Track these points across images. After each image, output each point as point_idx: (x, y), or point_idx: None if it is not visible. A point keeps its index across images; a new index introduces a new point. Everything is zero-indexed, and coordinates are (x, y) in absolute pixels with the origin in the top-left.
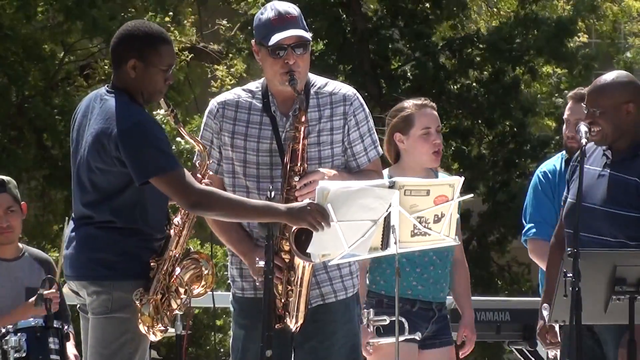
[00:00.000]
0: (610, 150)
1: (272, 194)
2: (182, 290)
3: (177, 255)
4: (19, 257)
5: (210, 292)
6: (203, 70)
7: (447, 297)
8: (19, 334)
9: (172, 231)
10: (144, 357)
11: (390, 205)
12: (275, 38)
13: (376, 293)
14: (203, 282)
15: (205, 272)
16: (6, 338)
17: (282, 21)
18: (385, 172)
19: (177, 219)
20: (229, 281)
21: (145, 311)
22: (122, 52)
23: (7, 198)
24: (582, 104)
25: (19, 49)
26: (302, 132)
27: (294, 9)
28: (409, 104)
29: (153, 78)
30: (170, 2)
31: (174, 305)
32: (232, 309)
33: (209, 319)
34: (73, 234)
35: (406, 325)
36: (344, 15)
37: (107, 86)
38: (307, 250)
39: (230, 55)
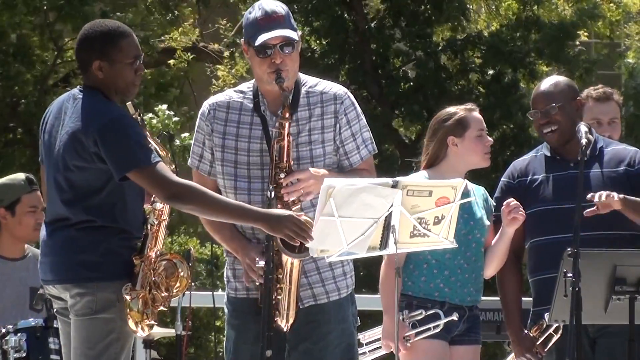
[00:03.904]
0: (561, 155)
1: (272, 194)
2: (162, 287)
3: (157, 252)
4: (23, 257)
5: (211, 292)
6: (203, 69)
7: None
8: (19, 334)
9: (149, 230)
10: (129, 357)
11: (392, 205)
12: (261, 38)
13: (405, 295)
14: (178, 284)
15: (182, 273)
16: (6, 338)
17: (269, 21)
18: (424, 173)
19: (151, 219)
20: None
21: (135, 307)
22: (85, 56)
23: (39, 196)
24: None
25: (9, 49)
26: (286, 129)
27: (281, 8)
28: (458, 108)
29: (121, 74)
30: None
31: (159, 301)
32: (225, 310)
33: (209, 319)
34: (47, 238)
35: (442, 315)
36: (346, 15)
37: (79, 87)
38: (306, 245)
39: (234, 55)
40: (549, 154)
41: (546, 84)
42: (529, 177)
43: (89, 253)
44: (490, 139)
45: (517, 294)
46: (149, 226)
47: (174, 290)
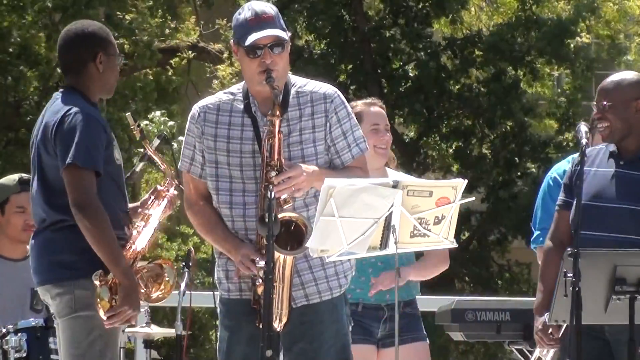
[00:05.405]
0: (619, 151)
1: (272, 194)
2: (141, 284)
3: (138, 249)
4: (25, 257)
5: (211, 292)
6: (203, 70)
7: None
8: (19, 334)
9: (134, 231)
10: (115, 351)
11: (392, 205)
12: (251, 38)
13: None
14: (162, 287)
15: (167, 278)
16: (6, 338)
17: (259, 21)
18: None
19: (138, 223)
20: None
21: (105, 296)
22: (85, 51)
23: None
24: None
25: (14, 50)
26: (276, 126)
27: (270, 9)
28: (358, 103)
29: (114, 67)
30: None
31: None
32: (218, 311)
33: (210, 319)
34: (32, 241)
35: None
36: (346, 15)
37: (61, 89)
38: (307, 245)
39: (227, 55)
40: (612, 148)
41: (609, 79)
42: (584, 168)
43: (64, 253)
44: (386, 136)
45: (556, 281)
46: (134, 226)
47: (158, 293)
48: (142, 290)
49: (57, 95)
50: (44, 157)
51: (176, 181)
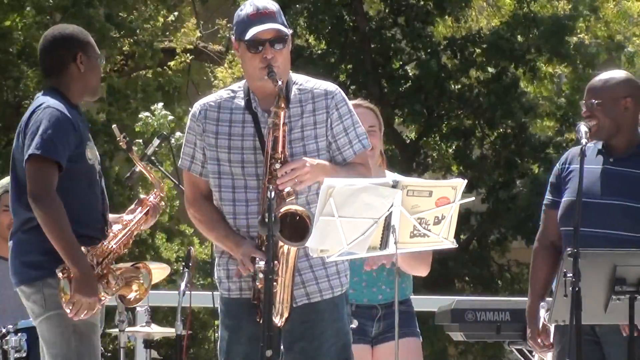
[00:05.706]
0: (607, 148)
1: (272, 194)
2: (112, 282)
3: (113, 248)
4: None
5: (210, 292)
6: (203, 70)
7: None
8: (19, 334)
9: (110, 233)
10: (92, 346)
11: (392, 205)
12: (251, 32)
13: None
14: (136, 289)
15: (141, 281)
16: (6, 338)
17: (260, 16)
18: None
19: (115, 226)
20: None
21: (67, 289)
22: (66, 53)
23: None
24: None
25: (14, 50)
26: (281, 118)
27: (272, 5)
28: None
29: (96, 67)
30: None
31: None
32: (219, 310)
33: (209, 319)
34: (10, 242)
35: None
36: (347, 15)
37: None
38: (306, 244)
39: (230, 54)
40: (600, 146)
41: (598, 78)
42: (571, 166)
43: (32, 254)
44: (372, 140)
45: (545, 284)
46: (110, 230)
47: (134, 294)
48: (114, 289)
49: (38, 95)
50: (16, 154)
51: (163, 192)
